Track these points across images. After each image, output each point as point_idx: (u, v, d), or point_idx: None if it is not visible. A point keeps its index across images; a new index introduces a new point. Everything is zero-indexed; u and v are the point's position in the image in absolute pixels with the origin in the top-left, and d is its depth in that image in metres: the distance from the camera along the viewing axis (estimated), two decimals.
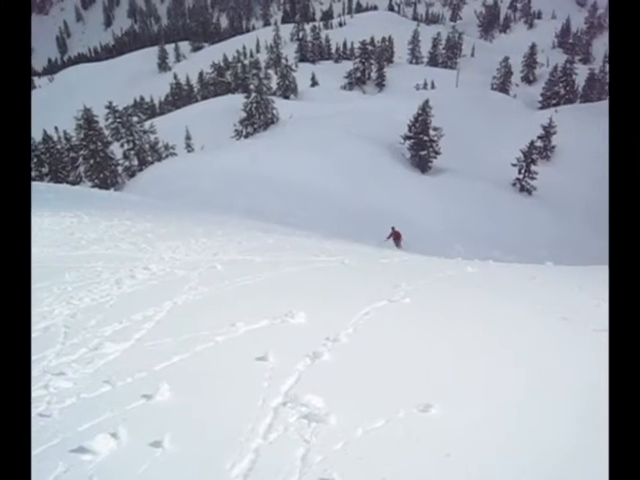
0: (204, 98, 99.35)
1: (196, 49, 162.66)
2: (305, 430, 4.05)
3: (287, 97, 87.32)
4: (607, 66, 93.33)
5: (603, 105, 66.91)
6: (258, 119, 57.44)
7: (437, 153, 48.79)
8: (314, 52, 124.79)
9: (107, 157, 51.40)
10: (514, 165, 46.42)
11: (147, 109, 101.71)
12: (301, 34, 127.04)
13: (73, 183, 49.59)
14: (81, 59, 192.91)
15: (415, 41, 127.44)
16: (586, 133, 53.39)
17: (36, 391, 4.43)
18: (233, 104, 65.38)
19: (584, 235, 39.37)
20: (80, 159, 53.30)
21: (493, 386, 5.27)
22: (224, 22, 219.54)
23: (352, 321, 7.01)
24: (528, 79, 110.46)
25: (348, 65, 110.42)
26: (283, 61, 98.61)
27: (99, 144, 50.59)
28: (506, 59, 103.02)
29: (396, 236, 29.63)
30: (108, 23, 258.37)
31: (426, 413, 4.47)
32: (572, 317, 8.33)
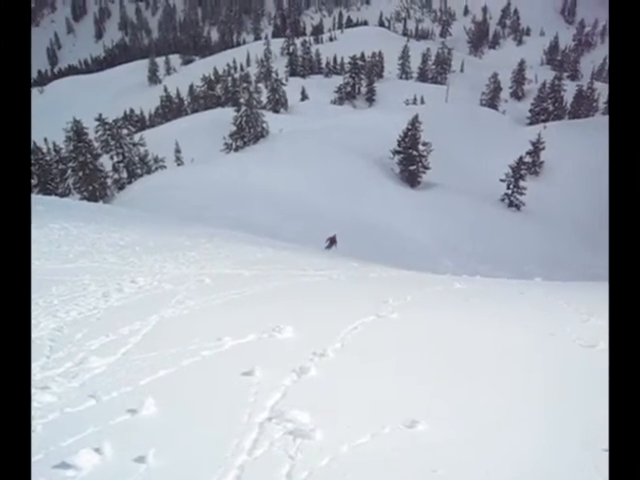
0: (194, 111, 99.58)
1: (187, 62, 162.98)
2: (290, 446, 4.03)
3: (277, 111, 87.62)
4: (595, 83, 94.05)
5: (591, 121, 67.52)
6: (248, 133, 57.44)
7: (426, 168, 48.98)
8: (304, 66, 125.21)
9: (96, 169, 51.26)
10: (503, 180, 46.69)
11: (137, 122, 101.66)
12: (291, 48, 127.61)
13: (62, 195, 49.40)
14: (71, 71, 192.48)
15: (405, 56, 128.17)
16: (574, 149, 53.80)
17: None
18: (223, 117, 65.45)
19: (573, 250, 39.58)
20: (69, 171, 53.11)
21: (479, 402, 5.26)
22: (215, 36, 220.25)
23: (340, 336, 7.00)
24: (517, 95, 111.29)
25: (338, 80, 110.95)
26: (273, 75, 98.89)
27: (88, 156, 50.45)
28: (495, 75, 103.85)
29: (332, 241, 30.65)
30: (99, 35, 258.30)
31: (412, 429, 4.46)
32: (560, 333, 8.35)
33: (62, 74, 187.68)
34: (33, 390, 4.69)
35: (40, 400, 4.52)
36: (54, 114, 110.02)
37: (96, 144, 53.30)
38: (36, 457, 3.58)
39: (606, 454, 4.18)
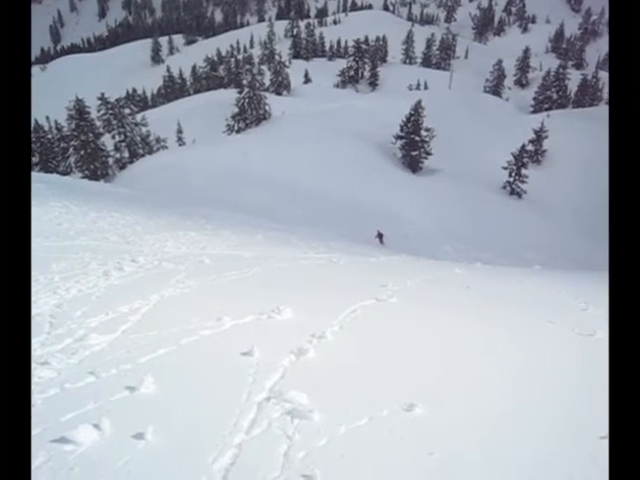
0: (196, 92, 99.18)
1: (190, 43, 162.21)
2: (288, 426, 4.05)
3: (280, 93, 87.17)
4: (599, 72, 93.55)
5: (595, 111, 67.20)
6: (250, 114, 57.18)
7: (428, 154, 48.80)
8: (308, 49, 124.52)
9: (98, 148, 51.09)
10: (505, 168, 46.53)
11: (139, 101, 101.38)
12: (295, 31, 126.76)
13: (63, 173, 49.27)
14: (74, 49, 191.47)
15: (409, 41, 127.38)
16: (577, 138, 53.62)
17: None
18: (225, 99, 65.23)
19: (573, 239, 39.58)
20: (71, 149, 52.90)
21: (477, 386, 5.28)
22: (218, 16, 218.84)
23: (339, 318, 7.02)
24: (521, 83, 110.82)
25: (341, 63, 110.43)
26: (277, 57, 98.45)
27: (90, 135, 50.28)
28: (499, 62, 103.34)
29: (380, 236, 31.43)
30: (102, 14, 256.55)
31: (410, 412, 4.48)
32: (558, 321, 8.37)
33: (65, 52, 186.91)
34: (33, 365, 4.71)
35: (40, 375, 4.53)
36: (56, 92, 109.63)
37: (98, 123, 53.11)
38: (35, 431, 3.60)
39: (602, 441, 4.21)
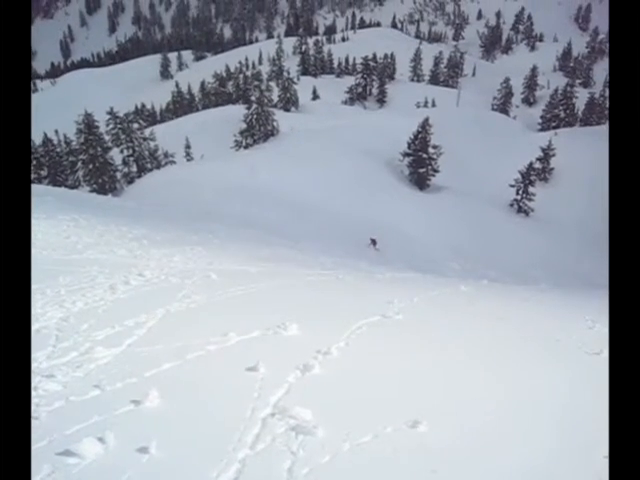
0: (205, 107, 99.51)
1: (199, 58, 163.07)
2: (292, 442, 4.04)
3: (288, 110, 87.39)
4: (607, 91, 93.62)
5: (603, 129, 67.18)
6: (258, 130, 57.28)
7: (436, 171, 48.76)
8: (316, 66, 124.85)
9: (106, 162, 51.22)
10: (512, 186, 46.44)
11: (148, 116, 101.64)
12: (304, 48, 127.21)
13: (71, 187, 49.42)
14: (84, 64, 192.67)
15: (417, 59, 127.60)
16: (585, 157, 53.53)
17: None
18: (234, 115, 65.42)
19: (580, 257, 39.42)
20: (79, 163, 53.01)
21: (481, 404, 5.27)
22: (227, 33, 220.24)
23: (344, 335, 7.01)
24: (528, 101, 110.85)
25: (350, 80, 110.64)
26: (285, 74, 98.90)
27: (99, 149, 50.41)
28: (507, 80, 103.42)
29: (373, 242, 33.11)
30: (112, 29, 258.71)
31: (414, 429, 4.47)
32: (564, 339, 8.35)
33: (75, 67, 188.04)
34: (39, 378, 4.73)
35: (45, 388, 4.55)
36: (66, 106, 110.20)
37: (107, 137, 53.23)
38: (40, 444, 3.61)
39: (607, 460, 4.18)
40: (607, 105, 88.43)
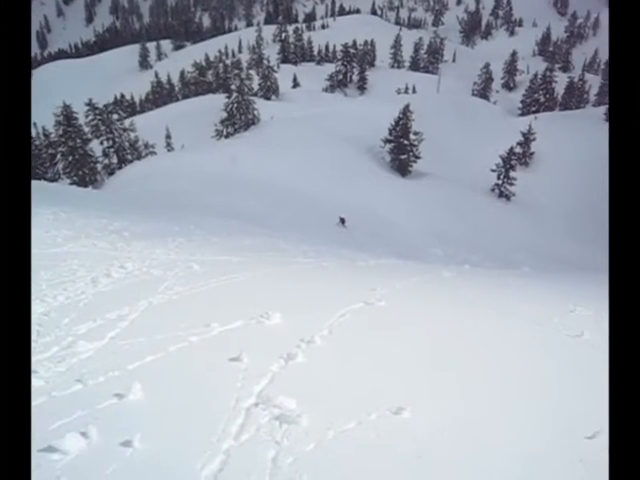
0: (185, 97, 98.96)
1: (178, 48, 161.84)
2: (277, 431, 4.05)
3: (268, 98, 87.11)
4: (586, 75, 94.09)
5: (582, 113, 67.71)
6: (239, 119, 57.05)
7: (417, 157, 48.89)
8: (296, 54, 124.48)
9: (86, 154, 50.81)
10: (493, 171, 46.67)
11: (127, 107, 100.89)
12: (283, 35, 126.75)
13: (51, 180, 49.01)
14: (61, 55, 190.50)
15: (397, 45, 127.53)
16: (565, 140, 53.88)
17: None
18: (214, 104, 65.06)
19: (561, 241, 39.74)
20: (59, 156, 52.55)
21: (465, 389, 5.31)
22: (206, 21, 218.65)
23: (327, 323, 7.02)
24: (508, 86, 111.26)
25: (330, 67, 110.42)
26: (265, 62, 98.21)
27: (78, 141, 49.99)
28: (487, 65, 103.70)
29: (342, 220, 34.33)
30: (89, 19, 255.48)
31: (398, 415, 4.49)
32: (546, 323, 8.42)
33: (52, 58, 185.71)
34: None
35: None
36: (43, 98, 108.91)
37: (86, 129, 52.75)
38: None
39: (589, 441, 4.25)
40: (585, 89, 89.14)
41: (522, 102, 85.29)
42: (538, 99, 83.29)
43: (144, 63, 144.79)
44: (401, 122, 48.97)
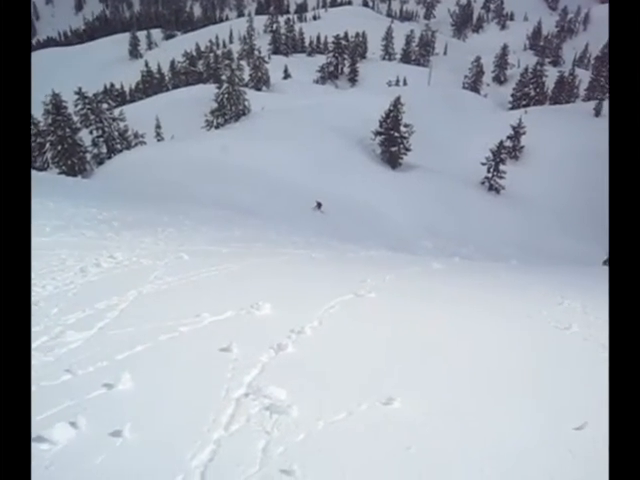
0: (175, 87, 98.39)
1: (168, 37, 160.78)
2: (267, 422, 4.04)
3: (259, 89, 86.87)
4: (576, 69, 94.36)
5: (572, 107, 67.90)
6: (229, 110, 56.87)
7: (407, 150, 48.90)
8: (287, 45, 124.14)
9: (75, 144, 50.44)
10: (483, 164, 46.77)
11: (117, 96, 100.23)
12: (275, 26, 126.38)
13: (40, 169, 48.61)
14: (50, 43, 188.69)
15: (388, 37, 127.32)
16: (555, 134, 54.04)
17: None
18: (204, 94, 64.77)
19: (550, 234, 39.89)
20: (48, 145, 52.16)
21: (455, 379, 5.32)
22: (197, 11, 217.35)
23: (318, 314, 7.02)
24: (499, 79, 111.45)
25: (321, 59, 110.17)
26: (256, 52, 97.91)
27: (67, 130, 49.62)
28: (478, 59, 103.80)
29: (318, 205, 35.67)
30: (79, 7, 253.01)
31: (388, 406, 4.50)
32: (535, 315, 8.46)
33: (41, 46, 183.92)
34: None
35: None
36: (32, 86, 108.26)
37: (75, 118, 52.39)
38: None
39: (578, 433, 4.27)
40: (575, 84, 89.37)
41: (512, 96, 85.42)
42: (528, 93, 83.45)
43: (134, 52, 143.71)
44: (392, 114, 48.95)
